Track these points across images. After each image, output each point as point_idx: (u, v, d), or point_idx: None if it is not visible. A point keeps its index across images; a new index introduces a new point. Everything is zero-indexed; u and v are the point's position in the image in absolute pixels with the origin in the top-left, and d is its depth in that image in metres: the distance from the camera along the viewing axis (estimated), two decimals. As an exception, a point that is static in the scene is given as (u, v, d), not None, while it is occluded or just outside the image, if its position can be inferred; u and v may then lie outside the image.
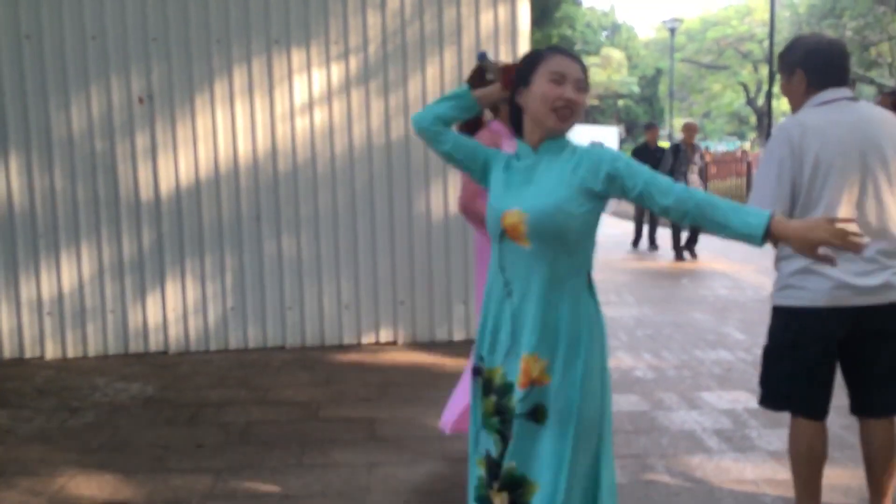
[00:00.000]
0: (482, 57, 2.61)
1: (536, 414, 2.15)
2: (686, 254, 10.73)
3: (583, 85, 2.18)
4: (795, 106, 2.90)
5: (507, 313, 2.21)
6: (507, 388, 2.21)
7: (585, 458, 2.16)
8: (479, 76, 2.93)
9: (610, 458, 2.24)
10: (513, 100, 2.26)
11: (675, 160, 10.69)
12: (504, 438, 2.23)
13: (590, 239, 2.18)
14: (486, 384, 2.28)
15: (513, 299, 2.19)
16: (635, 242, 11.92)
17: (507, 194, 2.20)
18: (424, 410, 4.46)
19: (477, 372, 2.31)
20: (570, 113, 2.14)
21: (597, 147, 2.17)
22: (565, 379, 2.13)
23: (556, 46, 2.32)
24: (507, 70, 2.43)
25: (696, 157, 10.82)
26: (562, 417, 2.13)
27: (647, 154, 11.59)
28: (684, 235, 10.78)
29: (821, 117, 2.74)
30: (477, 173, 2.35)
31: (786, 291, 2.81)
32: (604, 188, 2.10)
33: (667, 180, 2.07)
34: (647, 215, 11.81)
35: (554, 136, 2.19)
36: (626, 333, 6.31)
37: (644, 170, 2.10)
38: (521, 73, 2.23)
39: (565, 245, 2.12)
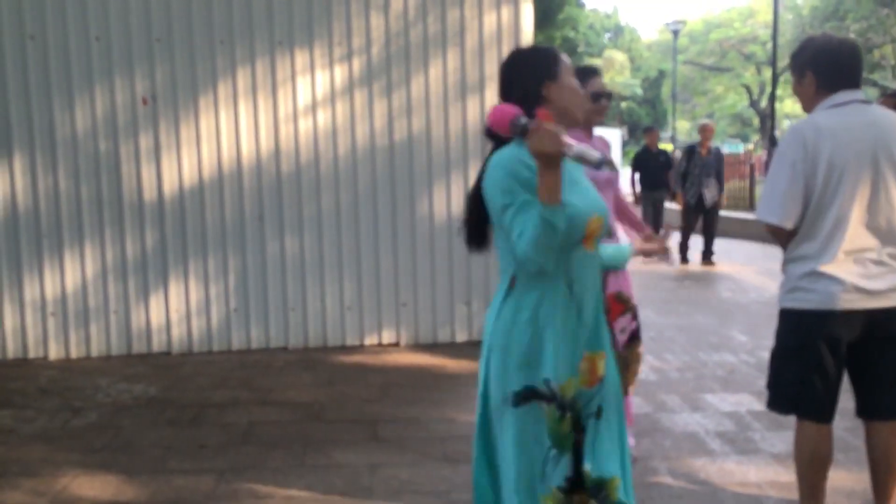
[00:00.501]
0: (519, 124, 2.03)
1: (599, 411, 2.15)
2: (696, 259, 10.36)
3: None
4: (807, 107, 2.89)
5: (575, 322, 2.11)
6: (578, 396, 2.11)
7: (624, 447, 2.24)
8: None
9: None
10: (527, 95, 2.19)
11: (689, 163, 10.19)
12: (577, 451, 2.13)
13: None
14: (561, 403, 2.10)
15: (583, 308, 2.12)
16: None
17: (581, 199, 2.09)
18: (427, 411, 4.46)
19: (535, 396, 2.10)
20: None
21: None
22: (610, 370, 2.19)
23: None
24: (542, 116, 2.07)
25: (712, 160, 10.16)
26: (615, 408, 2.18)
27: (649, 158, 11.35)
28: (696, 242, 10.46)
29: (834, 120, 2.73)
30: None
31: (794, 294, 2.80)
32: None
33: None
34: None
35: None
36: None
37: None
38: (546, 67, 2.21)
39: (598, 244, 2.21)
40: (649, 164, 11.31)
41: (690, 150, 10.33)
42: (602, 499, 2.12)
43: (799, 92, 2.91)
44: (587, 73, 3.54)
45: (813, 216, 2.73)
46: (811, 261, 2.74)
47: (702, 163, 10.10)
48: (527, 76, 2.21)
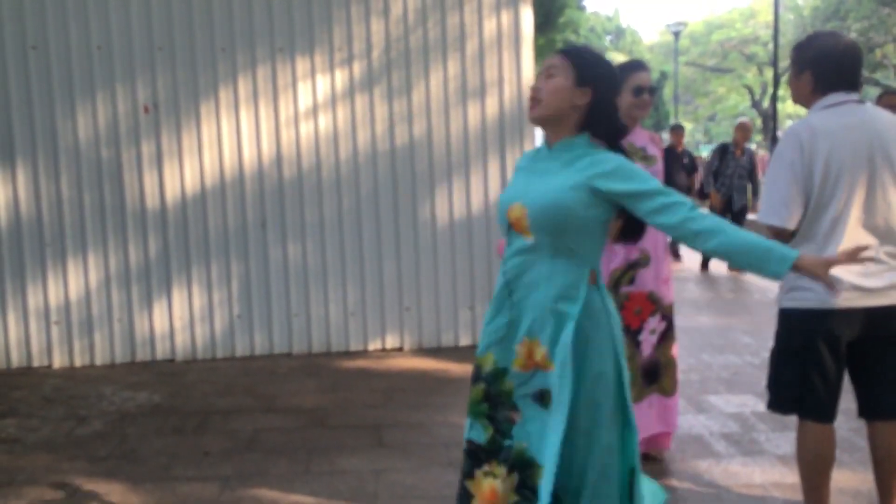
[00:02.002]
0: None
1: (543, 398, 2.22)
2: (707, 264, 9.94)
3: (553, 71, 2.23)
4: (798, 100, 2.91)
5: (507, 303, 2.28)
6: (498, 374, 2.30)
7: (594, 449, 2.20)
8: None
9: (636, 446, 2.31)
10: None
11: (720, 163, 9.59)
12: (494, 422, 2.31)
13: (594, 239, 2.24)
14: (475, 372, 2.36)
15: (515, 290, 2.26)
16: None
17: (514, 187, 2.30)
18: (431, 416, 4.46)
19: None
20: (534, 102, 2.25)
21: (611, 156, 2.22)
22: (565, 369, 2.15)
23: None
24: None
25: (746, 162, 9.59)
26: (562, 406, 2.15)
27: (673, 160, 10.05)
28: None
29: (830, 120, 2.73)
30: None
31: (793, 293, 2.80)
32: (607, 191, 2.16)
33: (679, 198, 2.12)
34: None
35: (556, 132, 2.27)
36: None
37: (652, 182, 2.14)
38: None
39: (561, 240, 2.19)
40: (673, 167, 10.22)
41: (723, 150, 9.73)
42: (525, 477, 2.24)
43: (794, 86, 2.91)
44: (631, 68, 3.52)
45: (811, 217, 2.74)
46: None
47: (735, 164, 9.55)
48: None
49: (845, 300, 2.70)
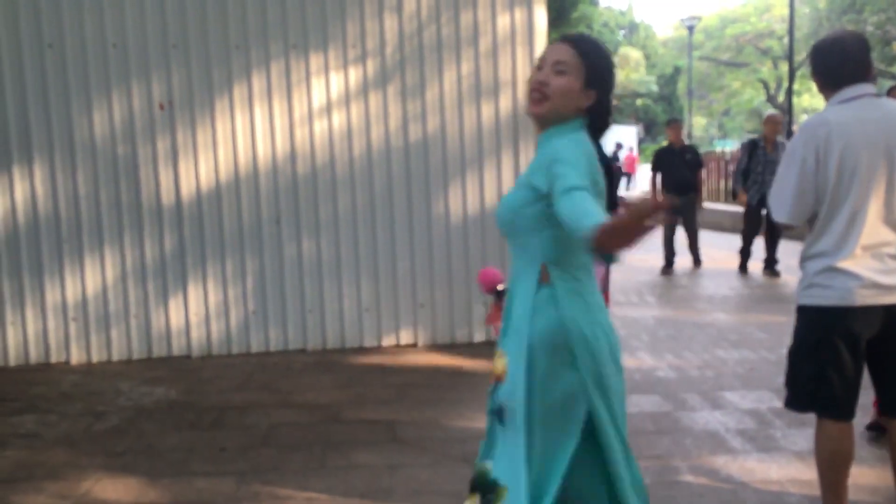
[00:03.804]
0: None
1: (501, 413, 2.10)
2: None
3: (562, 67, 2.07)
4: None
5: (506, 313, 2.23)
6: (489, 390, 2.21)
7: (557, 460, 2.04)
8: None
9: (622, 459, 2.10)
10: None
11: (750, 160, 8.90)
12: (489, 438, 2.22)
13: (540, 235, 2.07)
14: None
15: (511, 300, 2.20)
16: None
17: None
18: (445, 412, 4.47)
19: None
20: (539, 96, 2.08)
21: (560, 144, 2.04)
22: (514, 376, 2.05)
23: (563, 34, 2.27)
24: None
25: (777, 156, 8.71)
26: (514, 417, 2.04)
27: (672, 156, 9.41)
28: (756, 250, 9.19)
29: (845, 115, 2.71)
30: None
31: (811, 290, 2.78)
32: (548, 189, 1.98)
33: (578, 194, 1.87)
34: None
35: (545, 127, 2.13)
36: (647, 334, 6.28)
37: (570, 177, 1.91)
38: None
39: (517, 239, 2.13)
40: (674, 164, 9.38)
41: (752, 146, 8.99)
42: (487, 501, 2.08)
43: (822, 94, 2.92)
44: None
45: (827, 213, 2.71)
46: (828, 257, 2.72)
47: (766, 160, 8.79)
48: None
49: (864, 297, 2.68)
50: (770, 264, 8.94)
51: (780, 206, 2.78)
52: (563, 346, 2.03)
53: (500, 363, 2.11)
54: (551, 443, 2.03)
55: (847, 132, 2.67)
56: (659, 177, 9.46)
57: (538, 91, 2.08)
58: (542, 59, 2.12)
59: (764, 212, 8.44)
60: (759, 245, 9.13)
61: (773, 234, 8.88)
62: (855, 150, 2.66)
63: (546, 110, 2.08)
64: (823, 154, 2.68)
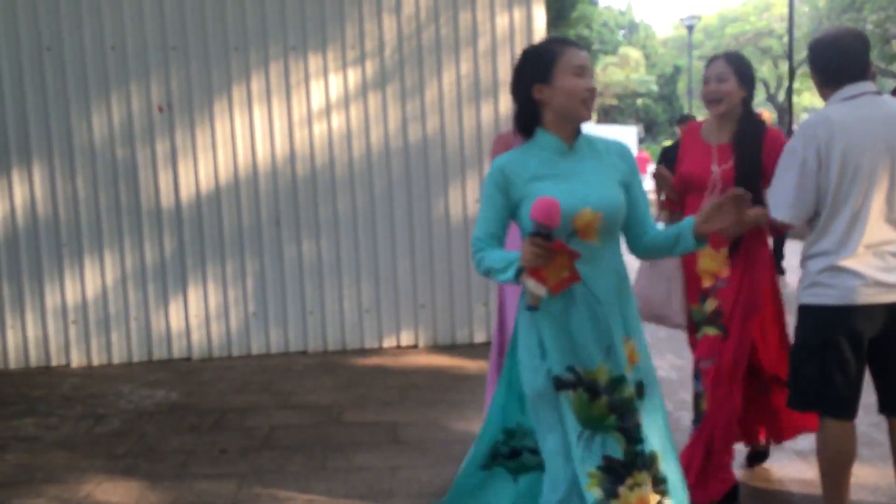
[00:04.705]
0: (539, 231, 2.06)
1: (639, 390, 2.28)
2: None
3: (592, 73, 2.32)
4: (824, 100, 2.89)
5: (585, 313, 2.23)
6: (616, 382, 2.24)
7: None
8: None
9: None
10: (523, 99, 2.32)
11: None
12: (625, 432, 2.23)
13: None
14: (590, 387, 2.24)
15: (599, 295, 2.24)
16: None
17: (569, 194, 2.18)
18: (446, 413, 4.46)
19: (564, 385, 2.24)
20: (592, 102, 2.28)
21: (612, 140, 2.40)
22: (643, 353, 2.33)
23: (564, 39, 2.35)
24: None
25: None
26: (654, 389, 2.32)
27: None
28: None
29: (846, 113, 2.70)
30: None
31: (814, 289, 2.77)
32: (626, 181, 2.34)
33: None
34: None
35: (580, 129, 2.32)
36: (648, 333, 6.25)
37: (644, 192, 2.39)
38: (538, 70, 2.27)
39: (617, 235, 2.31)
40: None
41: None
42: (653, 472, 2.24)
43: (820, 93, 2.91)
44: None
45: (829, 211, 2.70)
46: (830, 256, 2.71)
47: None
48: (519, 80, 2.33)
49: (867, 296, 2.66)
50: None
51: (779, 204, 2.77)
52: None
53: (629, 348, 2.29)
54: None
55: (849, 131, 2.66)
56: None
57: (593, 98, 2.31)
58: (582, 67, 2.26)
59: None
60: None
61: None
62: (857, 148, 2.65)
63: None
64: (825, 153, 2.67)
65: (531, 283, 2.06)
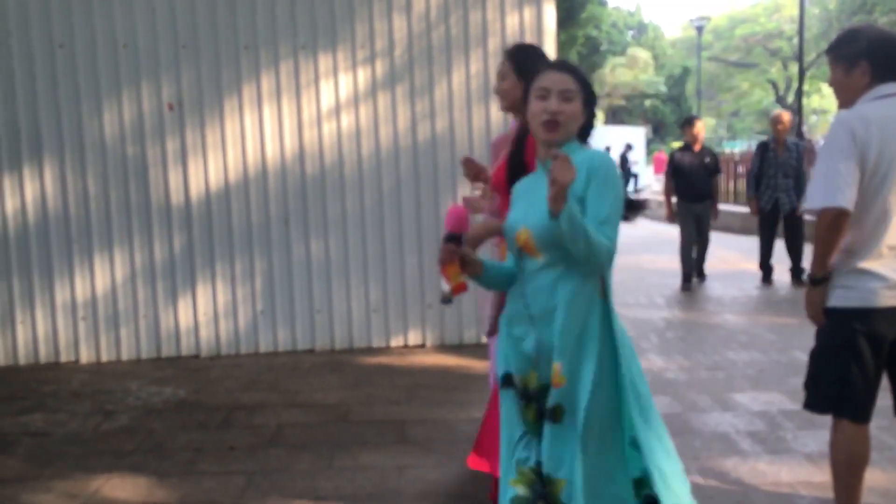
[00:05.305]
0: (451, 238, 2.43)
1: (555, 413, 2.23)
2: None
3: (570, 94, 2.26)
4: (848, 99, 2.81)
5: (525, 322, 2.30)
6: (542, 391, 2.27)
7: (608, 455, 2.23)
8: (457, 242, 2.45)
9: (656, 448, 2.24)
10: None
11: (762, 163, 8.20)
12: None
13: None
14: (524, 393, 2.33)
15: (532, 310, 2.28)
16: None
17: (517, 213, 2.34)
18: (453, 412, 4.46)
19: (508, 383, 2.36)
20: (555, 124, 2.24)
21: (594, 152, 2.29)
22: (575, 380, 2.20)
23: (551, 62, 2.45)
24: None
25: (790, 158, 8.13)
26: (575, 417, 2.20)
27: (692, 160, 8.29)
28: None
29: (881, 111, 2.67)
30: None
31: (836, 292, 2.75)
32: (582, 194, 2.20)
33: (609, 232, 2.17)
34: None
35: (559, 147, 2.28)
36: (656, 335, 6.26)
37: (608, 204, 2.17)
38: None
39: (571, 254, 2.16)
40: (693, 169, 8.28)
41: (763, 148, 8.31)
42: (546, 494, 2.25)
43: (844, 84, 2.82)
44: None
45: (861, 204, 2.65)
46: (854, 256, 2.69)
47: (777, 162, 8.13)
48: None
49: (889, 298, 2.64)
50: (797, 273, 8.22)
51: (829, 193, 2.64)
52: (611, 356, 2.24)
53: (555, 369, 2.21)
54: (604, 438, 2.23)
55: (883, 129, 2.62)
56: (674, 183, 8.45)
57: (554, 121, 2.25)
58: (545, 88, 2.27)
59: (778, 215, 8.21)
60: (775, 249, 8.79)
61: (796, 240, 8.21)
62: (890, 147, 2.62)
63: (561, 137, 2.27)
64: (861, 146, 2.62)
65: (441, 280, 2.38)
